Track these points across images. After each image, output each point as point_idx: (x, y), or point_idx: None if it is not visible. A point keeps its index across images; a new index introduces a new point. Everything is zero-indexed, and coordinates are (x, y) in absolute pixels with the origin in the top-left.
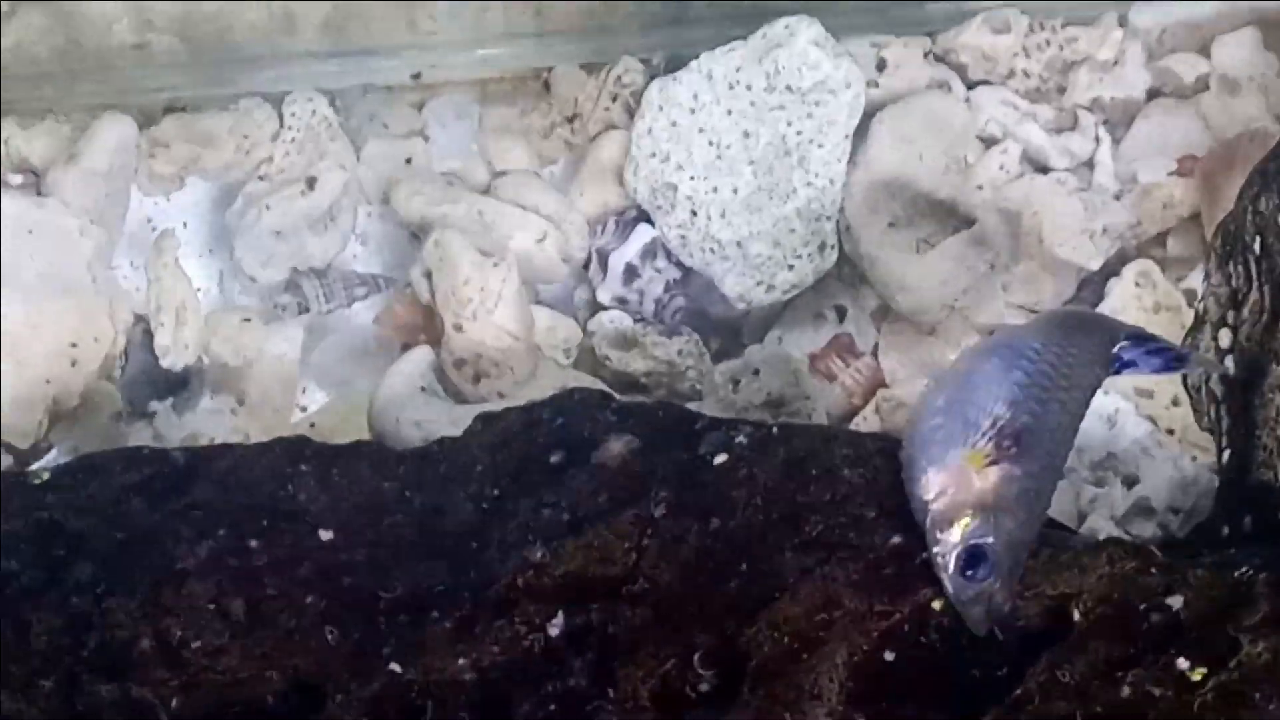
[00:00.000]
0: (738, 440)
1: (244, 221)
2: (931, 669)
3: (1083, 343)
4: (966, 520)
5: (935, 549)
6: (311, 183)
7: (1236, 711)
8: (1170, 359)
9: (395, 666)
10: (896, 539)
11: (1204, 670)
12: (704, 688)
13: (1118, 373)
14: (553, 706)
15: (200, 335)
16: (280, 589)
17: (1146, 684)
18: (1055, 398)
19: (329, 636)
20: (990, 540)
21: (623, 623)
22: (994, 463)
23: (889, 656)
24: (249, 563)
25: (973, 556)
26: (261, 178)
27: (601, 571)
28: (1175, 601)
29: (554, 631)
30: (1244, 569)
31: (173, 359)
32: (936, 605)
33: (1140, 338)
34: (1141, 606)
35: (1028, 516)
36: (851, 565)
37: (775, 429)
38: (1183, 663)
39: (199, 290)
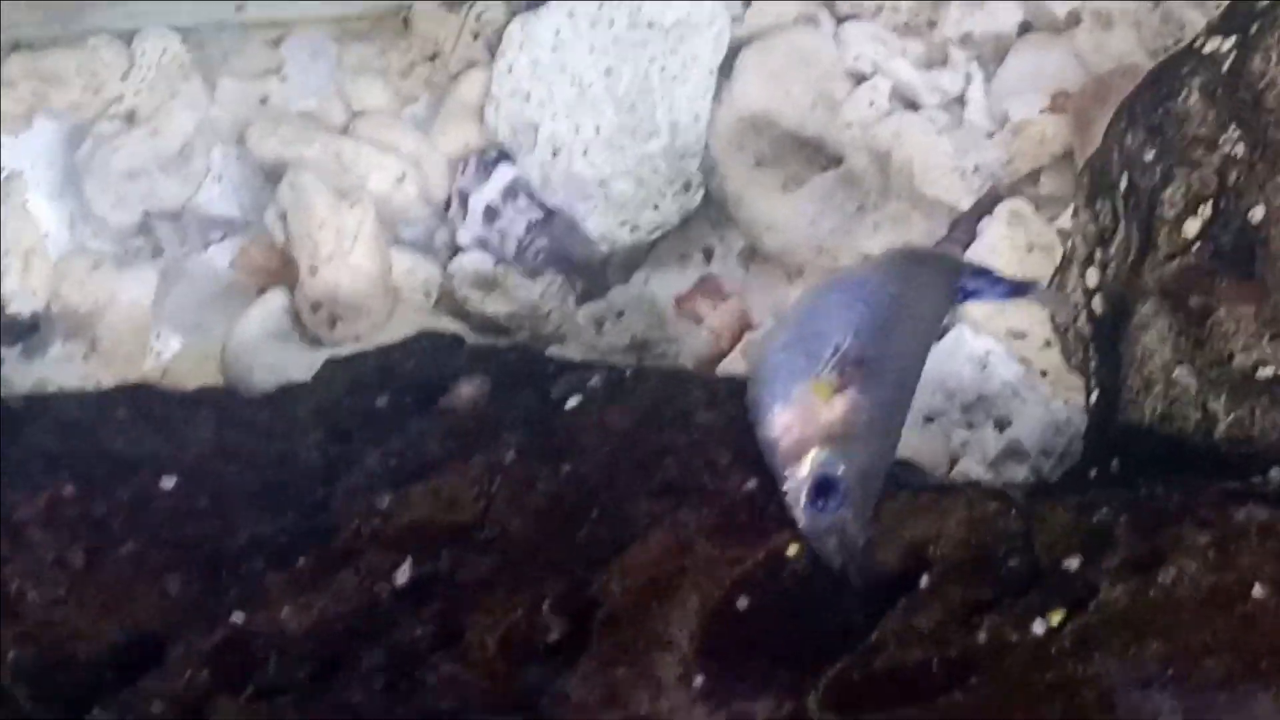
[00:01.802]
0: (591, 384)
1: (94, 163)
2: (786, 616)
3: (924, 274)
4: (815, 452)
5: (786, 485)
6: (160, 124)
7: (1094, 655)
8: (1014, 287)
9: (237, 617)
10: (751, 484)
11: (1062, 614)
12: (553, 637)
13: (962, 301)
14: (398, 657)
15: (49, 280)
16: (120, 538)
17: (1004, 629)
18: (900, 327)
19: (169, 587)
20: (840, 470)
21: (471, 570)
22: (840, 390)
23: (742, 603)
24: (89, 512)
25: (822, 487)
26: (111, 117)
27: (449, 518)
28: (1033, 545)
29: (400, 580)
30: (1103, 510)
31: (20, 304)
32: (791, 551)
33: (983, 272)
34: (1000, 550)
35: (879, 446)
36: (705, 510)
37: (629, 373)
38: (1040, 607)
39: (48, 234)
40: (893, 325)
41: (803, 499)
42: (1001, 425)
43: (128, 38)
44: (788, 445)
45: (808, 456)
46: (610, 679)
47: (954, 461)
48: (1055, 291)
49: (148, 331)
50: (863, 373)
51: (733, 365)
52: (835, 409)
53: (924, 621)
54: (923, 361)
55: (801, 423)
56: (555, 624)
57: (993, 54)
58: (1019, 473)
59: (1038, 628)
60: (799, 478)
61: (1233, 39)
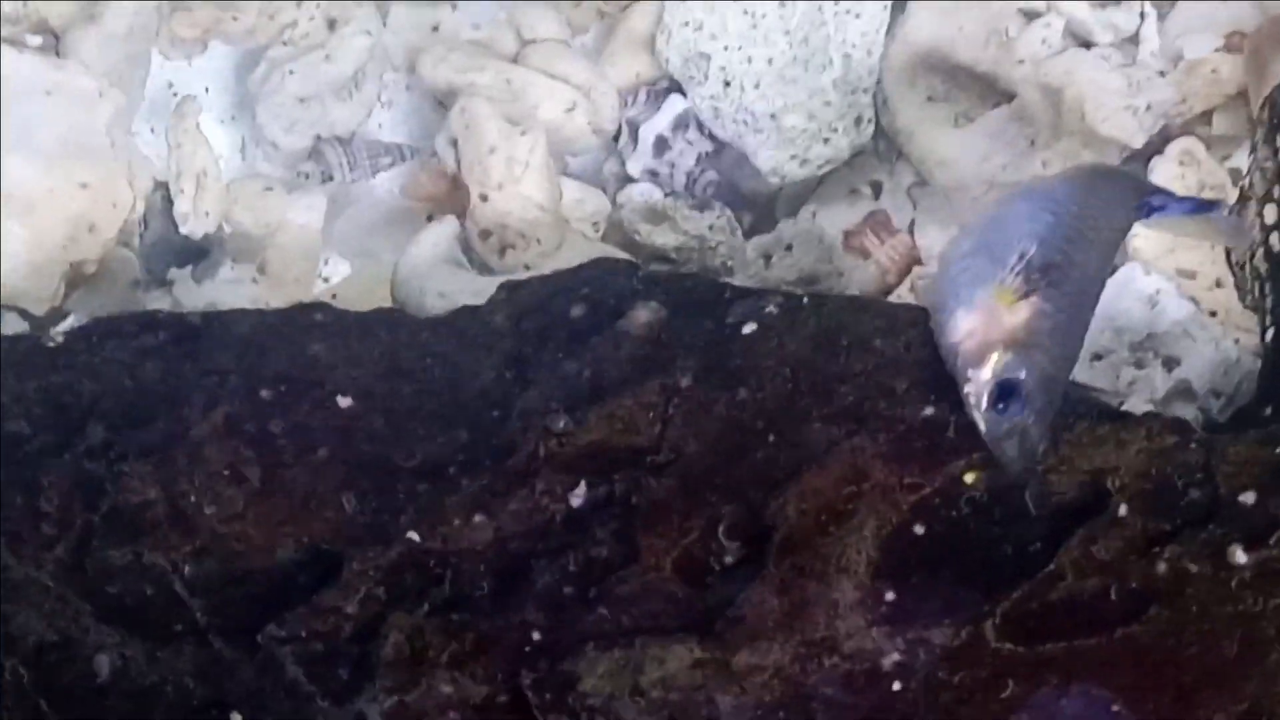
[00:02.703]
0: (767, 310)
1: (267, 87)
2: (962, 543)
3: (1110, 188)
4: (997, 356)
5: (967, 389)
6: (333, 50)
7: (1274, 588)
8: (1197, 204)
9: (413, 535)
10: (928, 410)
11: (1243, 547)
12: (728, 559)
13: (1146, 217)
14: (574, 576)
15: (221, 203)
16: (297, 455)
17: (1184, 560)
18: (1084, 238)
19: (346, 504)
20: (1022, 375)
21: (646, 493)
22: (1024, 296)
23: (919, 530)
24: (266, 429)
25: (1004, 390)
26: (285, 43)
27: (625, 441)
28: (1214, 477)
29: (576, 501)
30: None
31: (192, 226)
32: (968, 478)
33: (1166, 191)
34: (1180, 482)
35: (1060, 353)
36: (882, 437)
37: (806, 299)
38: (1221, 539)
39: (220, 157)
40: (1078, 236)
41: (984, 402)
42: (1170, 365)
43: None
44: (970, 349)
45: (990, 360)
46: (786, 602)
47: (1122, 400)
48: (1236, 218)
49: (317, 256)
50: (1047, 280)
51: (900, 300)
52: (1019, 315)
53: (1103, 551)
54: (1105, 274)
55: (985, 327)
56: (731, 547)
57: None
58: (1187, 413)
59: (1219, 561)
60: (981, 381)
61: None
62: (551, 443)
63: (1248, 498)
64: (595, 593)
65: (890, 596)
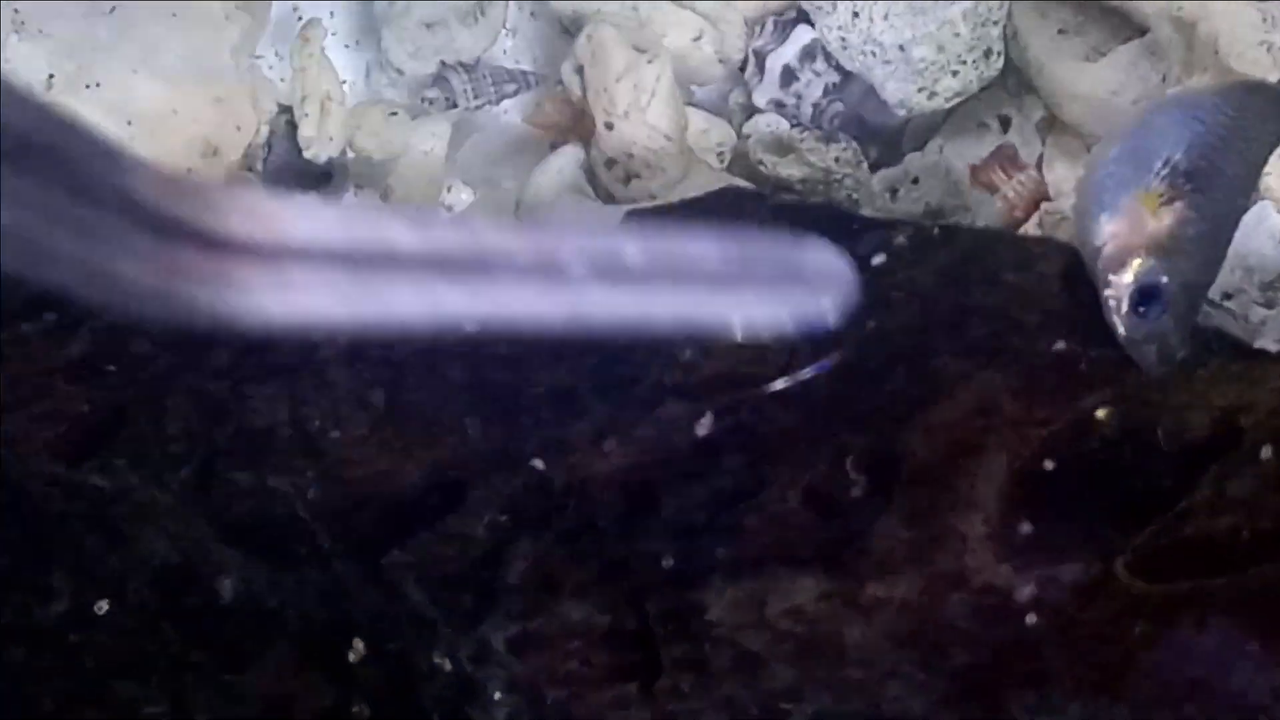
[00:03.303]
0: (897, 241)
1: (392, 11)
2: (1093, 480)
3: (1260, 103)
4: (1139, 260)
5: (1107, 292)
6: None
7: None
8: None
9: (538, 463)
10: (1060, 345)
11: None
12: (856, 492)
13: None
14: (700, 505)
15: (345, 128)
16: (422, 381)
17: None
18: (1232, 148)
19: (470, 431)
20: (1164, 280)
21: (773, 424)
22: (1168, 202)
23: (1049, 465)
24: (390, 354)
25: (1146, 294)
26: None
27: (752, 371)
28: None
29: (701, 431)
30: None
31: (316, 151)
32: (1100, 414)
33: None
34: None
35: (1203, 260)
36: (1012, 370)
37: (936, 230)
38: None
39: (345, 82)
40: (1226, 146)
41: (1125, 305)
42: None
43: None
44: (1112, 252)
45: (1132, 264)
46: (914, 535)
47: (1252, 340)
48: None
49: (440, 183)
50: (1192, 186)
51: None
52: (1162, 220)
53: (1237, 489)
54: (1252, 187)
55: (1128, 231)
56: (858, 479)
57: None
58: None
59: None
60: (1122, 284)
61: None
62: (677, 373)
63: None
64: (722, 523)
65: (1020, 532)
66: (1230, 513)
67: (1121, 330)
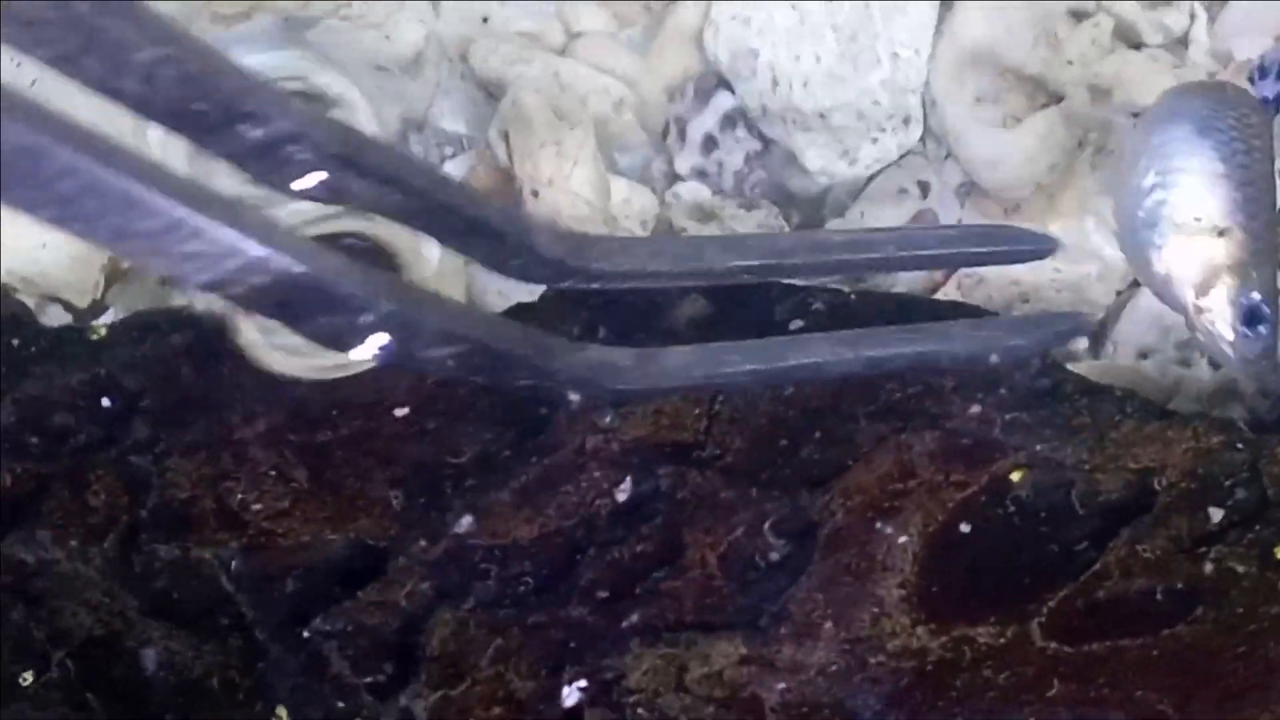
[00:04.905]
0: (814, 307)
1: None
2: (1008, 542)
3: (1239, 96)
4: (1228, 280)
5: (1200, 317)
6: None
7: None
8: None
9: (459, 529)
10: (974, 408)
11: None
12: (774, 556)
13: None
14: (619, 571)
15: None
16: (346, 457)
17: (1230, 561)
18: (1255, 147)
19: (394, 501)
20: (1257, 295)
21: (692, 489)
22: (1229, 220)
23: (964, 528)
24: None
25: (1253, 313)
26: (343, 18)
27: (671, 437)
28: (1261, 478)
29: (621, 496)
30: None
31: None
32: (1015, 476)
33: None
34: (1227, 482)
35: (1269, 274)
36: (928, 434)
37: (852, 295)
38: (1268, 540)
39: None
40: (1251, 148)
41: (1233, 327)
42: (1217, 364)
43: None
44: (1191, 276)
45: (1220, 284)
46: (830, 599)
47: (1168, 398)
48: None
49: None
50: (1243, 196)
51: (947, 299)
52: (1232, 238)
53: (1149, 551)
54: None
55: (1201, 254)
56: (776, 544)
57: None
58: (1234, 412)
59: (1265, 561)
60: (1217, 307)
61: None
62: (598, 438)
63: None
64: (641, 588)
65: (936, 595)
66: (1143, 574)
67: (1232, 354)
